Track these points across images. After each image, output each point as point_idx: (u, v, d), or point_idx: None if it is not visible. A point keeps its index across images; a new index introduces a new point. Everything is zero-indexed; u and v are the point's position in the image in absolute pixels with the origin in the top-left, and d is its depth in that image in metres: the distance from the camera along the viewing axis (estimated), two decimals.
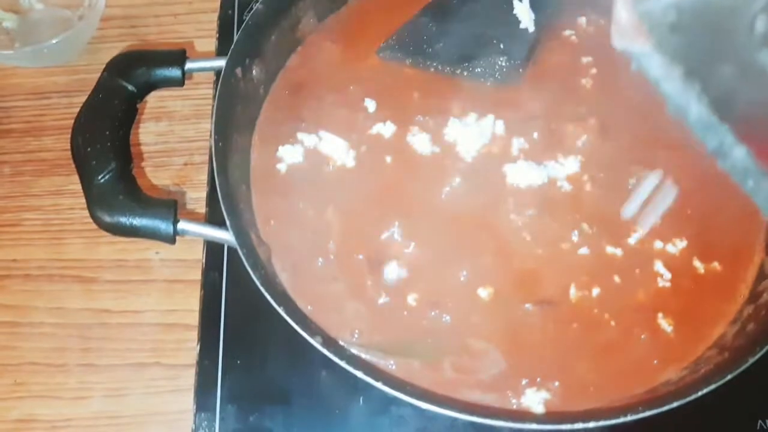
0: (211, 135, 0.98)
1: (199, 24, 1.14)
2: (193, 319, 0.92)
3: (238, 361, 0.85)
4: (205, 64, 0.82)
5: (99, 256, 0.99)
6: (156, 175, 1.03)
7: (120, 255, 0.98)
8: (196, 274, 0.95)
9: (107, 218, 0.71)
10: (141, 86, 0.78)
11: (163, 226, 0.71)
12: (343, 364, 0.66)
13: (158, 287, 0.96)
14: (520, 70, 0.89)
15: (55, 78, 1.11)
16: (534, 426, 0.65)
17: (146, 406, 0.90)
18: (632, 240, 0.80)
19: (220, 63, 0.80)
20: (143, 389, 0.91)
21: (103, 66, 0.81)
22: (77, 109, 1.07)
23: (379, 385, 0.65)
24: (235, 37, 1.00)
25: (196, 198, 1.01)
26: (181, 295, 0.96)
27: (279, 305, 0.68)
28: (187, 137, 1.06)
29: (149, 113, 1.07)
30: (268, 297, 0.68)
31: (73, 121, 1.06)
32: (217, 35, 1.07)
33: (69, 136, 1.04)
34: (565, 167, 0.83)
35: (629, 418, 0.65)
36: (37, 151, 1.06)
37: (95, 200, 0.71)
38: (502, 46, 0.89)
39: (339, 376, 0.82)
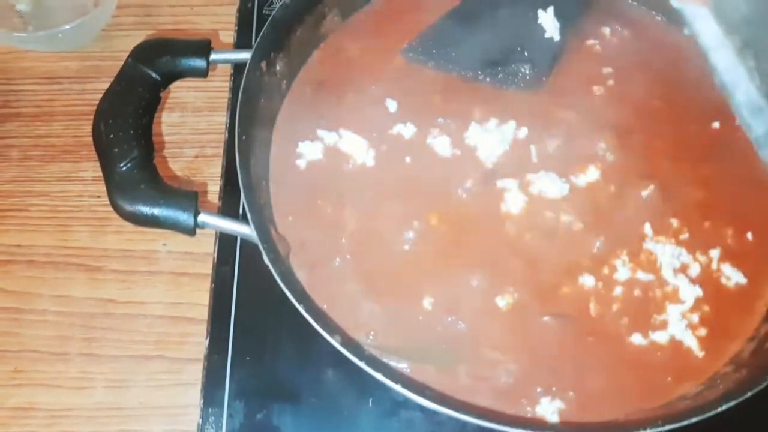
0: (226, 127, 1.00)
1: (215, 16, 1.13)
2: (199, 312, 0.91)
3: (248, 357, 0.85)
4: (230, 56, 0.81)
5: (105, 245, 0.98)
6: (167, 166, 1.02)
7: (126, 245, 0.98)
8: (203, 268, 0.94)
9: (128, 207, 0.70)
10: (165, 75, 0.77)
11: (184, 217, 0.70)
12: (362, 365, 0.65)
13: (164, 279, 0.96)
14: (543, 78, 0.89)
15: (67, 63, 1.10)
16: None
17: (148, 399, 0.89)
18: (656, 254, 0.79)
19: (245, 55, 0.79)
20: (146, 382, 0.90)
21: (117, 54, 0.80)
22: (89, 96, 1.07)
23: (398, 387, 0.64)
24: (255, 30, 1.01)
25: (208, 191, 1.00)
26: (188, 288, 0.95)
27: (299, 302, 0.67)
28: (199, 129, 1.06)
29: (162, 104, 1.06)
30: (288, 294, 0.67)
31: (84, 108, 1.06)
32: (236, 28, 1.06)
33: (79, 122, 1.05)
34: (586, 176, 0.83)
35: (648, 431, 0.64)
36: (46, 136, 1.05)
37: (116, 188, 0.70)
38: (526, 53, 0.89)
39: (349, 376, 0.82)
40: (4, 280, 0.95)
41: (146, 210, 0.70)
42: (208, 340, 0.86)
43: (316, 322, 0.66)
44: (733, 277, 0.79)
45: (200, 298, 0.92)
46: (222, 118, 1.04)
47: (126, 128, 0.72)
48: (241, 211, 0.90)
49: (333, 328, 0.67)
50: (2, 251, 0.97)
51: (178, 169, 1.02)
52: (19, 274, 0.96)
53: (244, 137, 0.75)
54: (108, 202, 0.97)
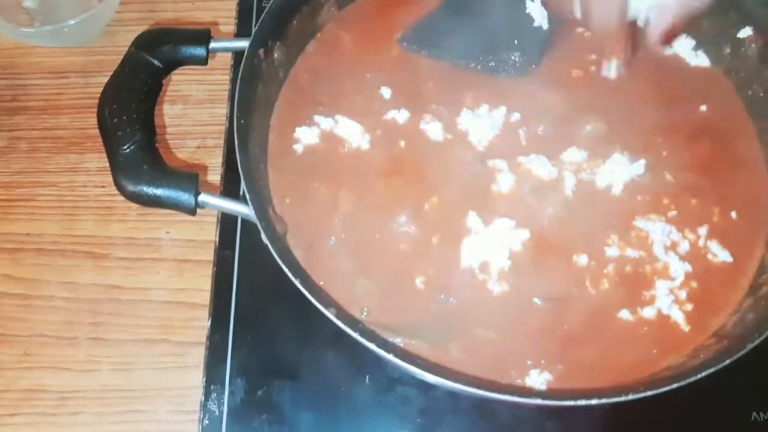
0: (227, 117, 1.02)
1: (216, 11, 1.16)
2: (202, 298, 0.94)
3: (248, 337, 0.87)
4: (229, 44, 0.83)
5: (110, 234, 1.01)
6: (169, 157, 1.04)
7: (131, 233, 1.01)
8: (206, 255, 0.97)
9: (130, 187, 0.73)
10: (167, 62, 0.79)
11: (185, 197, 0.73)
12: (356, 336, 0.67)
13: (168, 266, 0.99)
14: (533, 65, 0.91)
15: (72, 58, 1.13)
16: (538, 401, 0.67)
17: (153, 382, 0.92)
18: (648, 231, 0.82)
19: (243, 44, 0.82)
20: (151, 365, 0.93)
21: (120, 48, 0.83)
22: (94, 90, 1.09)
23: (390, 357, 0.67)
24: (254, 23, 1.04)
25: (209, 181, 1.03)
26: (191, 274, 0.98)
27: (295, 277, 0.69)
28: (201, 121, 1.09)
29: (164, 96, 1.09)
30: (285, 269, 0.70)
31: (89, 101, 1.09)
32: (236, 20, 1.09)
33: (85, 115, 1.08)
34: (576, 159, 0.85)
35: (630, 397, 0.66)
36: (53, 129, 1.08)
37: (120, 169, 0.73)
38: (516, 41, 0.91)
39: (346, 354, 0.85)
40: (14, 268, 0.98)
41: (149, 190, 0.72)
42: (210, 320, 0.89)
43: (312, 295, 0.69)
44: (719, 254, 0.81)
45: (203, 283, 0.95)
46: (223, 110, 1.07)
47: (129, 113, 0.74)
48: (241, 194, 0.92)
49: (328, 302, 0.70)
50: (11, 240, 1.00)
51: (180, 160, 1.05)
52: (27, 262, 0.99)
53: (242, 121, 0.77)
54: (113, 192, 1.01)
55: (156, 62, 0.78)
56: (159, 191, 0.72)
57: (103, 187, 1.03)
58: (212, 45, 0.82)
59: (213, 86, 1.10)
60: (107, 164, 1.02)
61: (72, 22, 1.05)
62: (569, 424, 0.84)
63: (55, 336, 0.94)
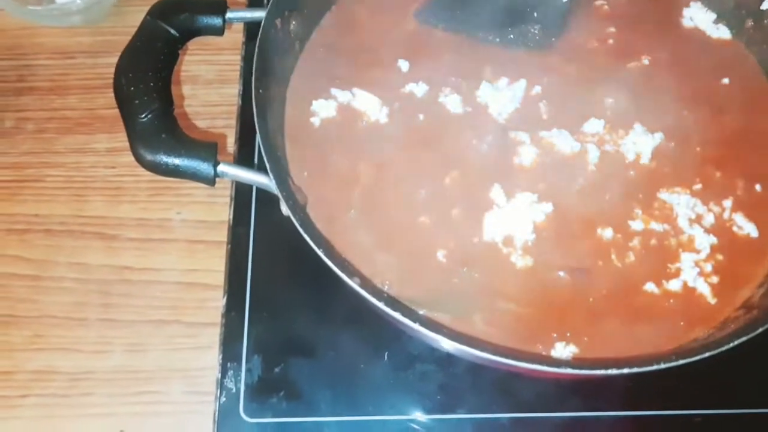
0: (239, 94, 1.01)
1: None
2: (213, 279, 0.93)
3: (265, 314, 0.86)
4: (246, 14, 0.82)
5: (120, 214, 0.99)
6: None
7: (141, 214, 0.99)
8: (217, 235, 0.96)
9: (149, 156, 0.71)
10: (183, 31, 0.78)
11: (204, 166, 0.71)
12: (381, 305, 0.66)
13: (179, 246, 0.97)
14: (553, 38, 0.90)
15: (80, 38, 1.11)
16: (569, 370, 0.66)
17: (166, 363, 0.90)
18: (672, 204, 0.81)
19: (260, 14, 0.80)
20: (163, 346, 0.91)
21: (128, 29, 0.81)
22: (102, 70, 1.09)
23: (416, 326, 0.65)
24: None
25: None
26: (202, 255, 0.96)
27: (318, 247, 0.68)
28: (210, 101, 1.07)
29: (174, 76, 1.07)
30: (308, 239, 0.68)
31: (97, 81, 1.08)
32: None
33: (93, 95, 1.07)
34: (598, 132, 0.84)
35: (662, 366, 0.65)
36: (61, 109, 1.06)
37: (137, 138, 0.71)
38: (535, 14, 0.90)
39: (365, 331, 0.84)
40: (23, 249, 0.97)
41: (168, 159, 0.71)
42: (225, 297, 0.87)
43: (336, 265, 0.67)
44: (744, 226, 0.80)
45: (214, 264, 0.94)
46: (232, 90, 1.05)
47: (146, 81, 0.73)
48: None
49: (352, 271, 0.68)
50: (20, 221, 0.99)
51: None
52: (36, 243, 0.97)
53: (260, 90, 0.76)
54: (123, 173, 1.01)
55: (172, 31, 0.76)
56: (178, 160, 0.71)
57: (112, 167, 1.02)
58: (229, 14, 0.80)
59: (222, 67, 1.09)
60: (116, 145, 1.02)
61: (80, 1, 1.04)
62: (592, 400, 0.82)
63: (66, 317, 0.93)
